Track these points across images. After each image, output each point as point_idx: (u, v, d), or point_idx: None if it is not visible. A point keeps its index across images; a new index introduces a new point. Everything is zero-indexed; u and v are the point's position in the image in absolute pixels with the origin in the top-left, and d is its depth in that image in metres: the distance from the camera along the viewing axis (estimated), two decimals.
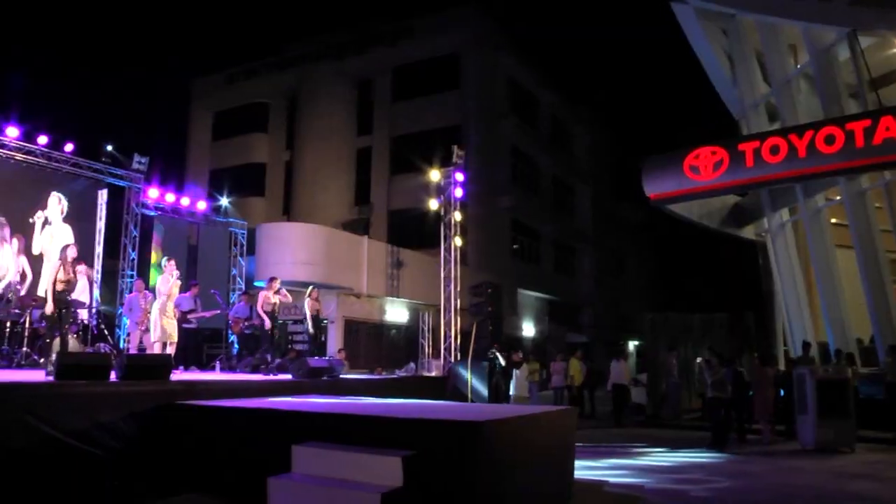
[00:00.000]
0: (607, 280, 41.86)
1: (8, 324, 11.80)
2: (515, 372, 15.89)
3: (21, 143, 14.17)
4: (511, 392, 15.64)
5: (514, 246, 32.77)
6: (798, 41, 18.29)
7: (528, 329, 32.95)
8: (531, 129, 34.76)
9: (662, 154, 17.38)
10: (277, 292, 13.03)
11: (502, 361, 15.84)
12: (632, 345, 45.58)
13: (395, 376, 15.52)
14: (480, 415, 6.53)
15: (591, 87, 60.87)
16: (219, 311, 14.32)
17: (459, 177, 17.19)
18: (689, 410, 17.76)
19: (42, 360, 10.41)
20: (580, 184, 40.42)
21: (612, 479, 8.84)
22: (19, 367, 11.24)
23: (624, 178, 42.48)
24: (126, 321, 14.52)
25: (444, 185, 17.41)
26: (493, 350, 15.89)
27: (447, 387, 15.18)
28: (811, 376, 12.36)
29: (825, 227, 17.56)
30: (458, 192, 17.19)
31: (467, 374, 15.10)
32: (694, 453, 11.89)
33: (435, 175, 17.66)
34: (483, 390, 15.20)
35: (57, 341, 9.25)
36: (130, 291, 14.55)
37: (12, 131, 13.95)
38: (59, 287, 9.37)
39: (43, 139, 14.50)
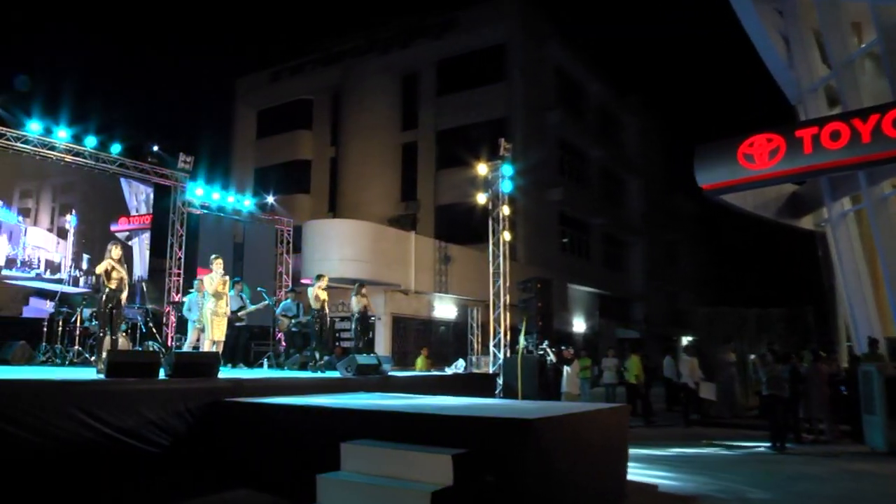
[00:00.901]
0: (659, 274, 41.26)
1: (60, 322, 12.17)
2: (566, 368, 15.73)
3: (71, 145, 14.60)
4: (562, 389, 15.47)
5: (564, 240, 32.52)
6: (863, 17, 17.62)
7: (579, 325, 32.67)
8: (579, 120, 34.42)
9: (715, 142, 16.98)
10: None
11: (553, 358, 15.70)
12: (685, 340, 44.84)
13: (444, 373, 15.51)
14: (531, 412, 6.46)
15: (640, 75, 60.01)
16: (268, 302, 14.48)
17: (507, 170, 17.07)
18: (747, 409, 17.35)
19: (93, 358, 10.67)
20: (630, 175, 39.91)
21: (666, 479, 8.67)
22: (71, 365, 11.59)
23: (676, 168, 41.80)
24: (175, 319, 14.80)
25: (491, 179, 17.31)
26: (544, 346, 15.76)
27: (497, 384, 15.19)
28: (879, 374, 11.92)
29: (892, 216, 16.93)
30: (506, 186, 17.08)
31: (517, 371, 14.99)
32: (751, 453, 11.61)
33: (482, 169, 17.57)
34: (533, 387, 15.08)
35: (107, 339, 9.41)
36: (189, 292, 14.78)
37: (62, 134, 14.37)
38: (112, 285, 9.51)
39: (91, 141, 14.89)
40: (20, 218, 14.72)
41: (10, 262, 14.34)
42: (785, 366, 12.83)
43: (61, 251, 15.23)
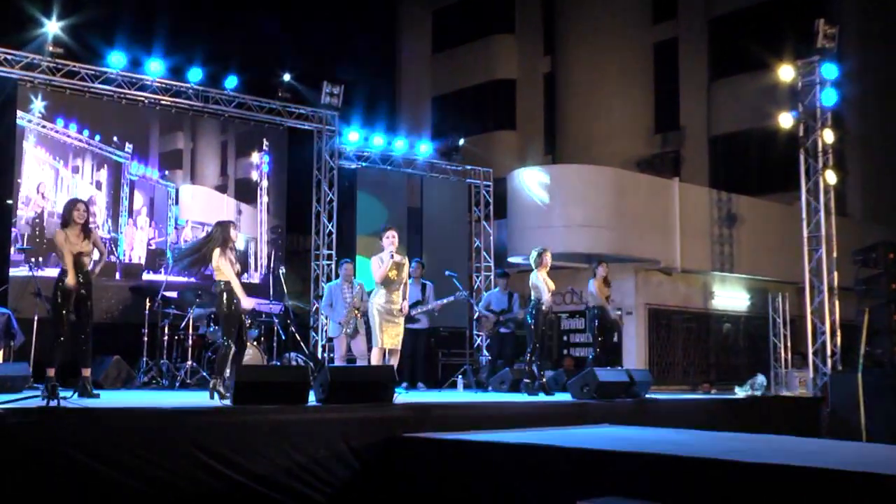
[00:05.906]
0: None
1: (166, 330, 12.89)
2: None
3: (168, 81, 15.33)
4: None
5: None
6: None
7: None
8: None
9: None
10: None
11: None
12: None
13: (732, 396, 15.31)
14: (892, 465, 6.05)
15: None
16: (453, 298, 14.52)
17: (829, 71, 16.43)
18: None
19: (214, 378, 11.28)
20: None
21: None
22: (184, 387, 12.35)
23: None
24: (324, 320, 15.28)
25: (801, 89, 16.71)
26: None
27: (823, 414, 14.83)
28: None
29: None
30: (828, 98, 16.44)
31: (858, 395, 14.41)
32: None
33: (786, 73, 16.91)
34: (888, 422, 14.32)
35: (232, 352, 9.83)
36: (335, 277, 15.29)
37: (156, 67, 15.16)
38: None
39: (196, 74, 15.59)
40: (165, 173, 14.20)
41: (154, 256, 13.83)
42: None
43: (247, 231, 14.72)
